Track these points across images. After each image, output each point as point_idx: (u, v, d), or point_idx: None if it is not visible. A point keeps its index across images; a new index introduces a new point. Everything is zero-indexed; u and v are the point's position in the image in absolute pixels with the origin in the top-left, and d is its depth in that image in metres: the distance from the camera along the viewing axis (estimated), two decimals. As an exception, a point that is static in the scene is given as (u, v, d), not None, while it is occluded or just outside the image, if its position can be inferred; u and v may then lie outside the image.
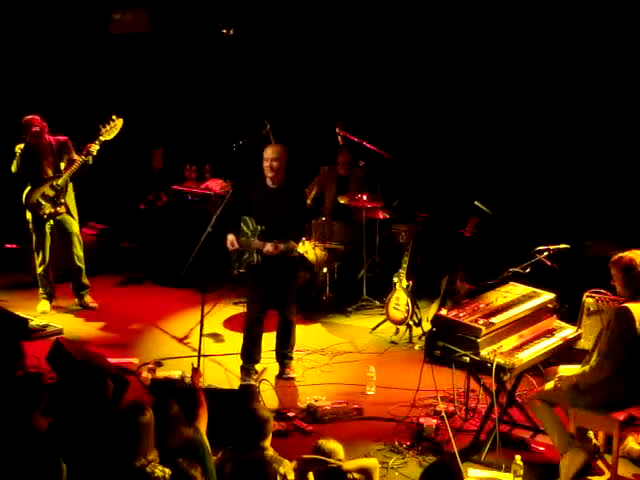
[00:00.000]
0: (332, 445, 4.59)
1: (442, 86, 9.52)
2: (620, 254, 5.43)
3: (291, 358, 7.16)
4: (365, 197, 8.72)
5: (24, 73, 10.10)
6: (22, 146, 8.28)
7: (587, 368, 5.37)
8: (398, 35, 9.66)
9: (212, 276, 8.14)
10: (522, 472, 5.28)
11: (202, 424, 4.84)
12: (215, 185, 9.80)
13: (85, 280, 8.61)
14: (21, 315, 7.76)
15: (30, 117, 8.26)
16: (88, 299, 8.62)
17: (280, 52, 10.20)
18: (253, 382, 6.69)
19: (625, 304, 5.33)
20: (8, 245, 9.76)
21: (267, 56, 10.25)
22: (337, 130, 9.07)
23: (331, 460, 4.51)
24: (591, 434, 5.61)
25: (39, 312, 8.32)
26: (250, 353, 6.97)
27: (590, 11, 8.60)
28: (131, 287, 9.48)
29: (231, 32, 10.00)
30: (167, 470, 4.13)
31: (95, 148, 8.11)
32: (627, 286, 5.39)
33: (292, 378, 7.05)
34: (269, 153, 6.77)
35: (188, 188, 9.96)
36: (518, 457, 5.31)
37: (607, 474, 5.46)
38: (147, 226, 9.96)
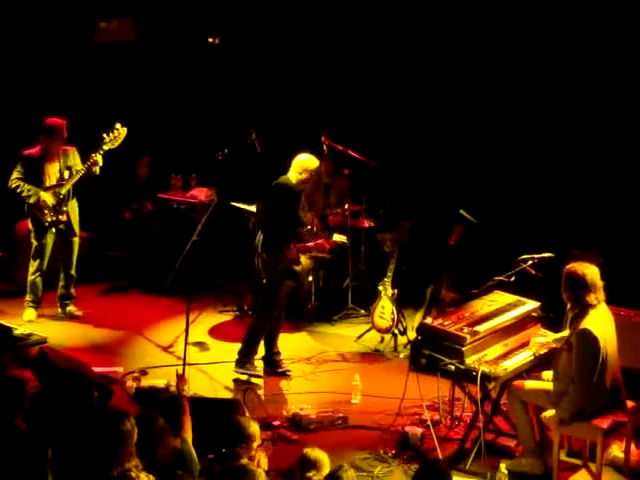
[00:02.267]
0: (318, 454, 4.57)
1: (429, 95, 9.54)
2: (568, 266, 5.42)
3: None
4: (347, 207, 8.77)
5: (6, 80, 10.05)
6: (33, 150, 8.17)
7: (564, 403, 5.33)
8: (383, 44, 9.68)
9: (198, 284, 8.11)
10: (507, 480, 5.30)
11: (188, 433, 4.81)
12: (200, 193, 9.77)
13: (72, 290, 8.58)
14: (4, 324, 7.69)
15: (56, 120, 8.15)
16: (72, 308, 8.57)
17: (266, 61, 10.20)
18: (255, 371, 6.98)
19: (583, 326, 5.29)
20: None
21: (253, 65, 10.25)
22: (322, 139, 9.08)
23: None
24: None
25: (25, 321, 8.21)
26: (255, 351, 7.17)
27: (572, 20, 8.66)
28: (116, 295, 9.42)
29: (217, 41, 9.99)
30: (152, 477, 4.08)
31: (99, 158, 8.07)
32: (568, 297, 5.39)
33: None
34: (318, 169, 7.19)
35: (173, 196, 9.93)
36: (503, 465, 5.33)
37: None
38: (132, 234, 9.92)
